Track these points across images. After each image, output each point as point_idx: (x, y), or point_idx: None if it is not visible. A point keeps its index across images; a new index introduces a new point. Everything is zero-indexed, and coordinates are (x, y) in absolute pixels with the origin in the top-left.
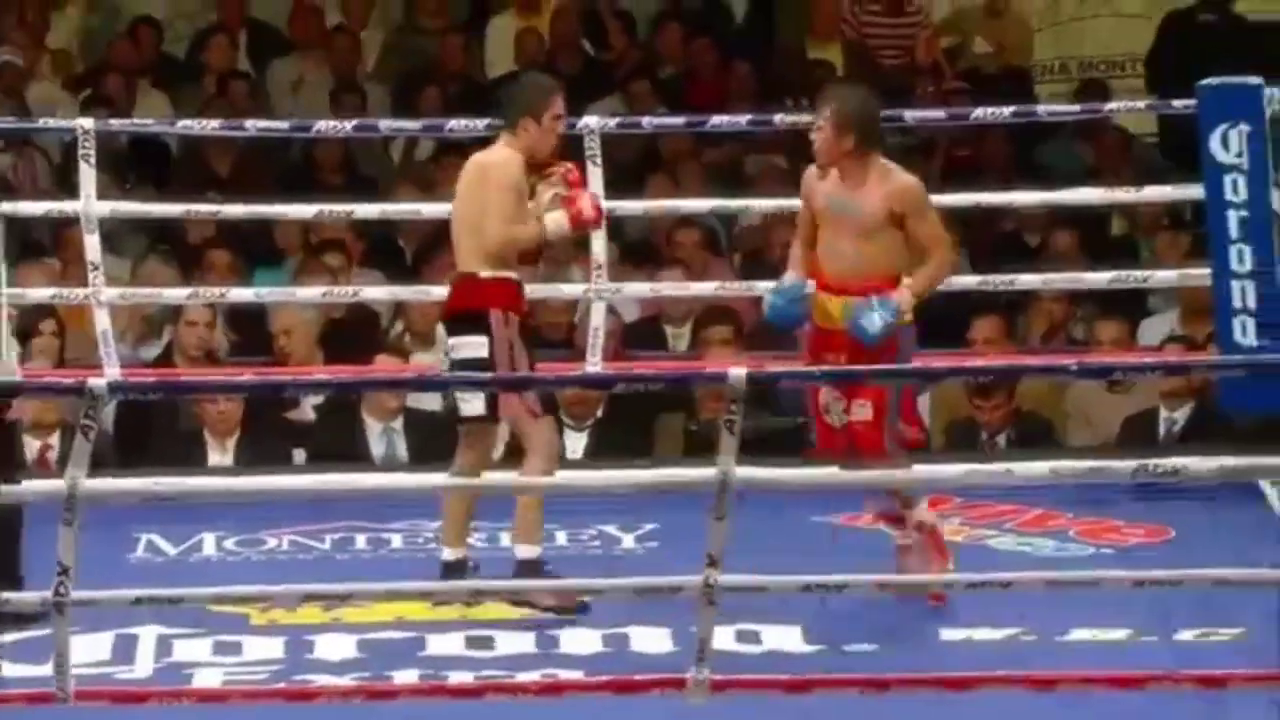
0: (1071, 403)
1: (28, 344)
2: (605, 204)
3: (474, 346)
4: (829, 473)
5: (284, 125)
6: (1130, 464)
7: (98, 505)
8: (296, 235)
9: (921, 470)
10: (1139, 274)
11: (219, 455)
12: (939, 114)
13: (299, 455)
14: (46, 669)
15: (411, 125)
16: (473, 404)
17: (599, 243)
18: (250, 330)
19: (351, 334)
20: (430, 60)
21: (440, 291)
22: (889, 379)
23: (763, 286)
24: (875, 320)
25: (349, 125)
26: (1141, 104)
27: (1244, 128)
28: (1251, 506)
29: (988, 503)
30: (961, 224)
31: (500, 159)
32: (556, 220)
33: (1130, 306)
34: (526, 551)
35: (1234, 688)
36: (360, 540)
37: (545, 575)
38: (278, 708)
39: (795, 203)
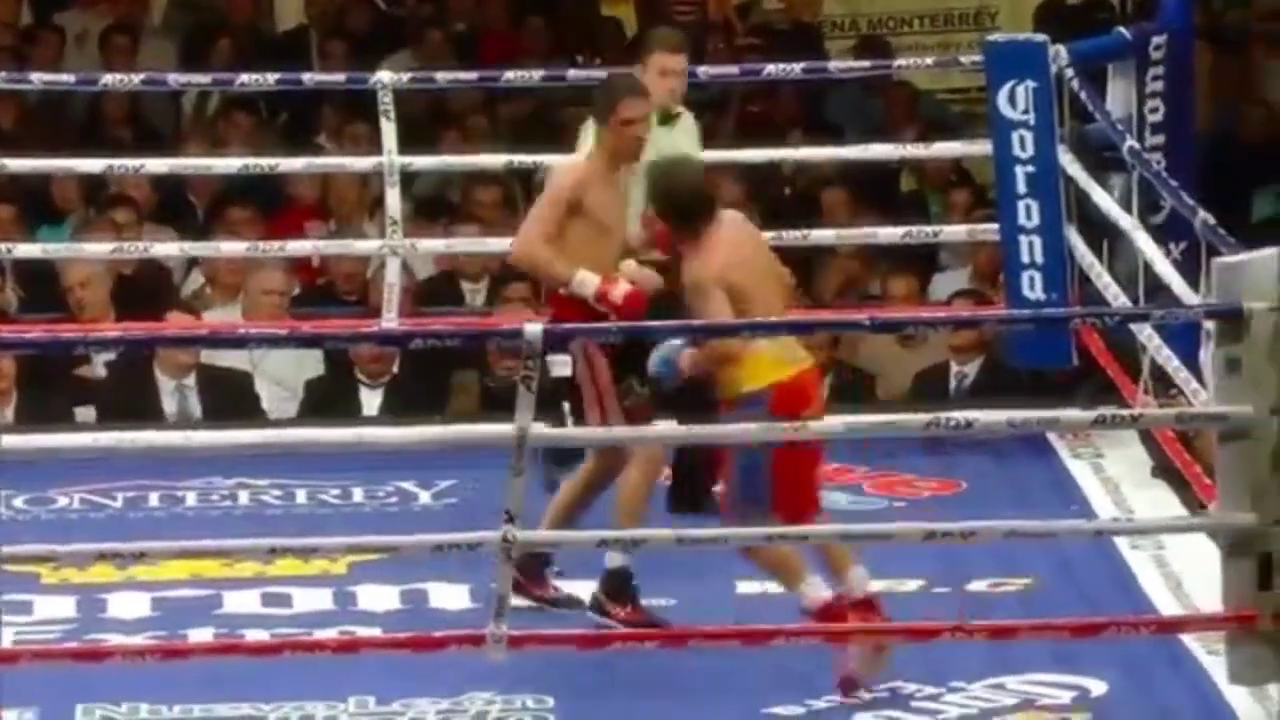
0: (865, 358)
1: None
2: (399, 160)
3: (561, 365)
4: (624, 432)
5: (69, 79)
6: (923, 418)
7: None
8: (77, 191)
9: (716, 429)
10: (929, 229)
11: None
12: (731, 69)
13: (84, 413)
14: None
15: (201, 79)
16: (561, 368)
17: (393, 197)
18: (40, 286)
19: (142, 290)
20: (218, 13)
21: (231, 247)
22: (683, 333)
23: None
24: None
25: (137, 79)
26: (929, 60)
27: (1030, 84)
28: (1041, 459)
29: None
30: (754, 179)
31: (562, 166)
32: (586, 282)
33: (922, 264)
34: (614, 560)
35: (1022, 637)
36: (153, 498)
37: (629, 589)
38: (70, 668)
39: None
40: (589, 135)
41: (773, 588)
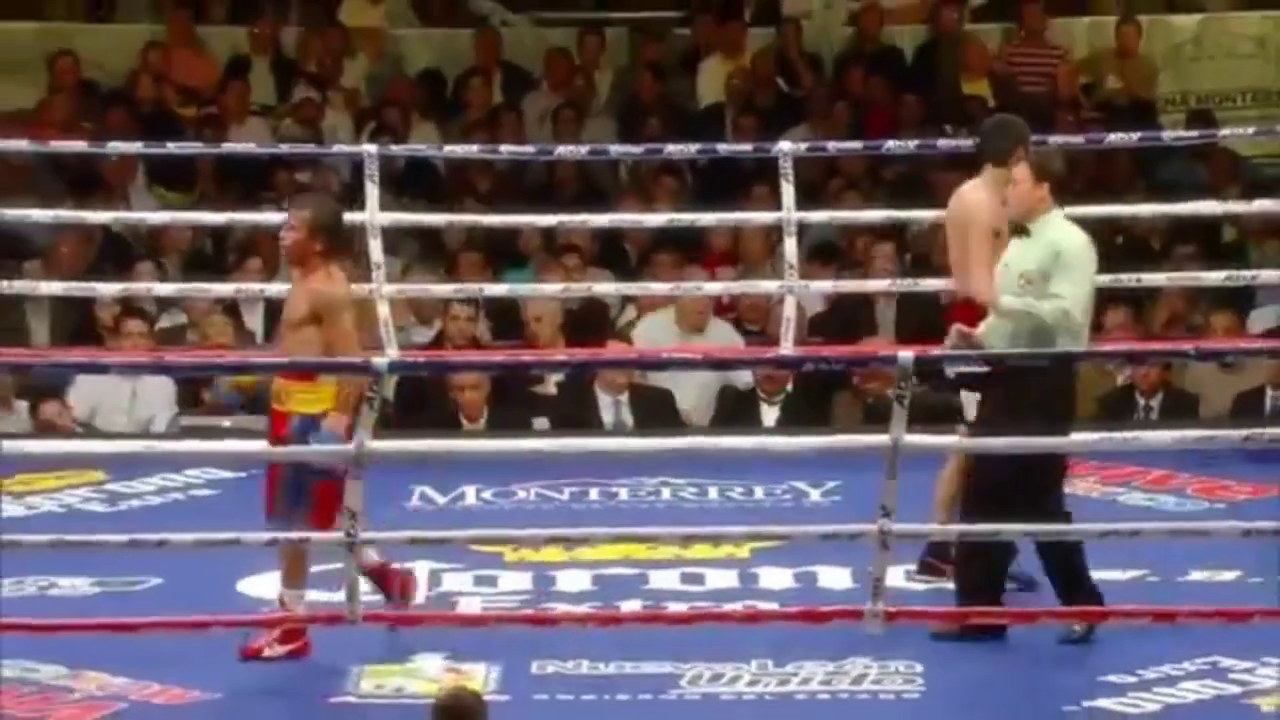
0: (1191, 383)
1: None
2: (795, 215)
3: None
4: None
5: (530, 150)
6: (1241, 432)
7: (381, 462)
8: (535, 240)
9: (1072, 439)
10: (1248, 274)
11: (472, 423)
12: (1078, 139)
13: (540, 422)
14: (340, 596)
15: (635, 149)
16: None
17: (790, 245)
18: (506, 319)
19: (586, 323)
20: (648, 93)
21: (658, 286)
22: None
23: (927, 284)
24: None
25: (584, 150)
26: (1250, 130)
27: None
28: None
29: (1120, 465)
30: (1097, 231)
31: (971, 204)
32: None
33: (1241, 302)
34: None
35: None
36: (593, 493)
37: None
38: (526, 631)
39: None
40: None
41: (1107, 575)
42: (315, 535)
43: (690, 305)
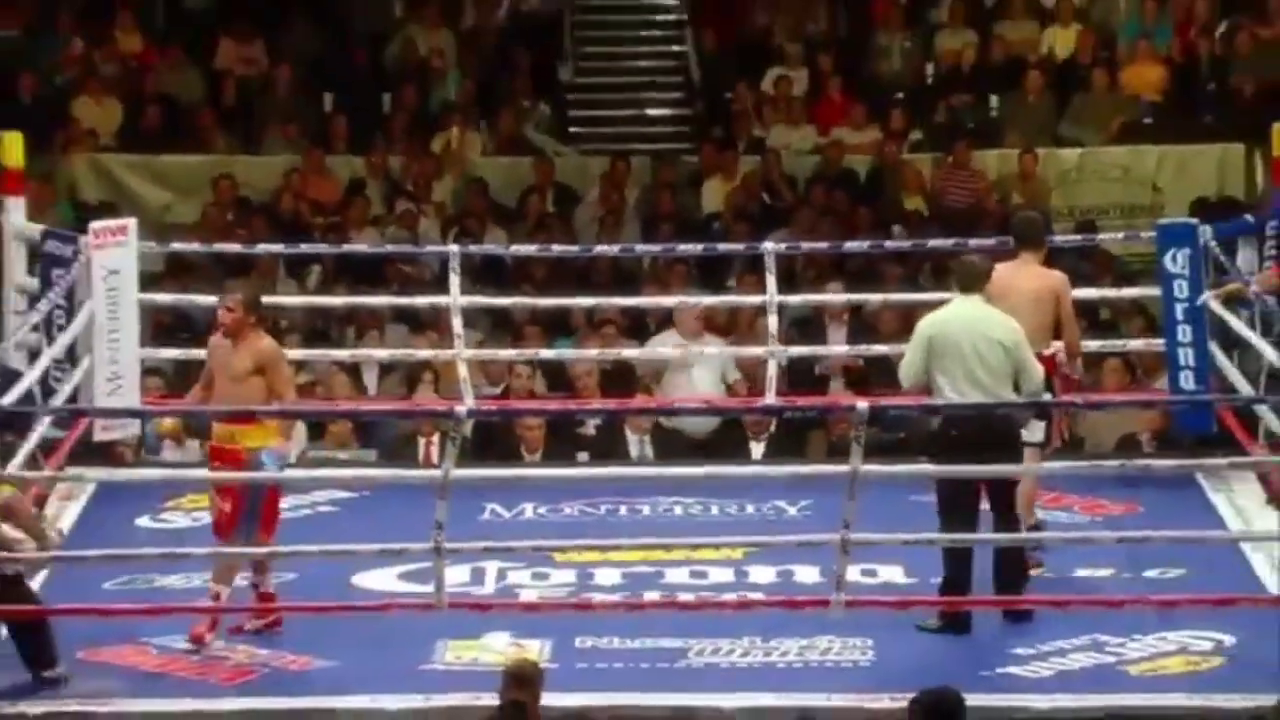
0: (1086, 427)
1: (416, 386)
2: (777, 298)
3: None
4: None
5: (575, 248)
6: (1116, 462)
7: (461, 486)
8: (582, 315)
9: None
10: (1119, 343)
11: (531, 455)
12: (991, 241)
13: (582, 456)
14: (429, 588)
15: (654, 248)
16: (1034, 432)
17: (773, 320)
18: (557, 376)
19: (618, 379)
20: (665, 205)
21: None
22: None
23: (877, 349)
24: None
25: (616, 248)
26: (1121, 235)
27: (1186, 250)
28: (1191, 491)
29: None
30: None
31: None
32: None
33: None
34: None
35: (1180, 607)
36: (622, 509)
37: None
38: (571, 615)
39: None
40: None
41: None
42: (408, 546)
43: (688, 315)
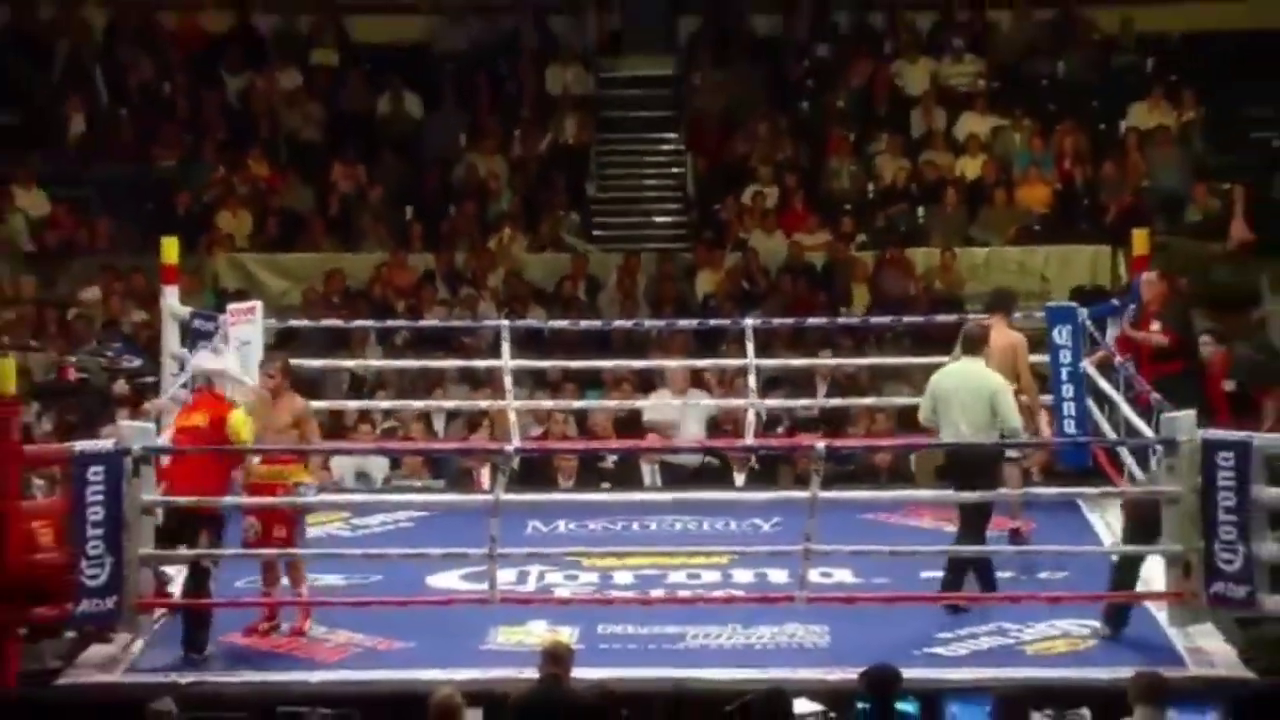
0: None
1: (475, 430)
2: (754, 361)
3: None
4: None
5: (599, 323)
6: (1020, 491)
7: (509, 507)
8: (606, 374)
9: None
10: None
11: (565, 483)
12: (921, 319)
13: (605, 484)
14: (484, 586)
15: (660, 323)
16: (1014, 451)
17: (751, 379)
18: (586, 421)
19: (632, 424)
20: (667, 292)
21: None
22: None
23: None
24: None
25: (630, 323)
26: (1019, 315)
27: (1069, 327)
28: (1074, 512)
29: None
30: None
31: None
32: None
33: None
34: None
35: (1066, 602)
36: (635, 525)
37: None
38: (593, 608)
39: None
40: None
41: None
42: (468, 552)
43: (678, 375)
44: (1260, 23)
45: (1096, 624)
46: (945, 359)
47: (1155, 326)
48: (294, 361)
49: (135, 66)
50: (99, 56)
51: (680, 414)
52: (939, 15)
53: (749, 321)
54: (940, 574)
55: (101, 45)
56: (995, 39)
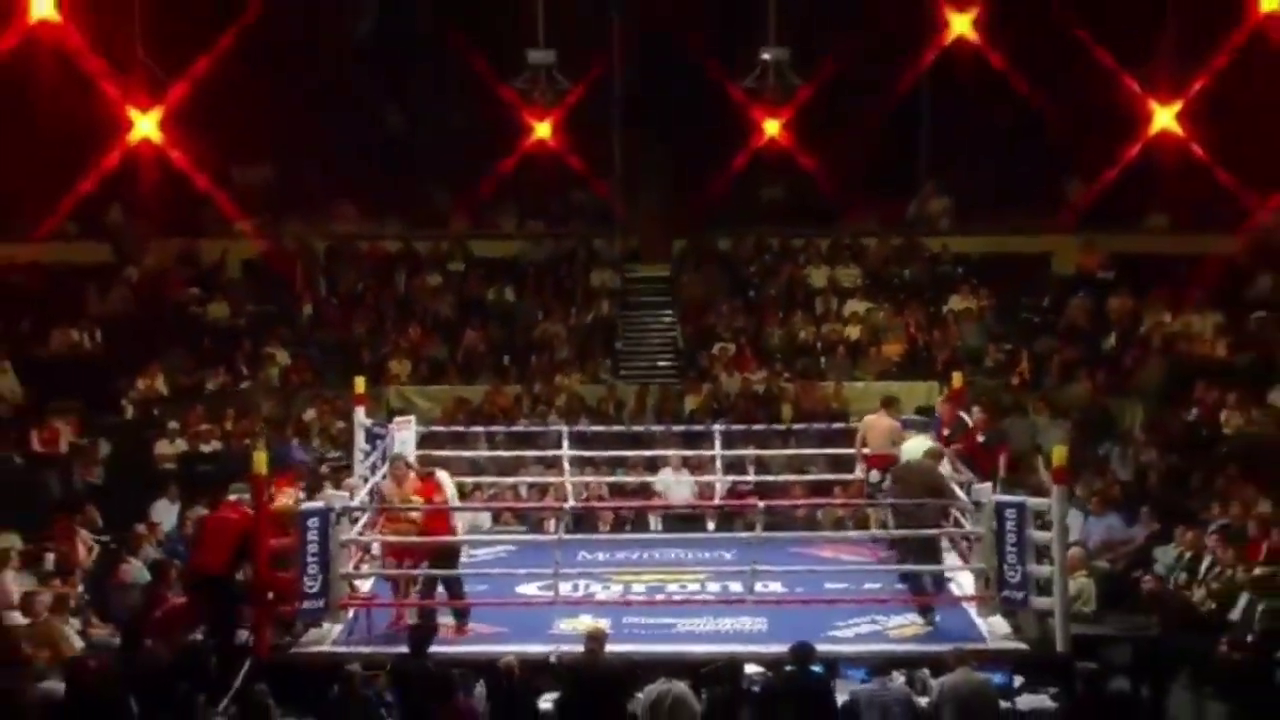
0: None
1: (545, 494)
2: (721, 452)
3: None
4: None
5: (623, 428)
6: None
7: (567, 543)
8: (630, 459)
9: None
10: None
11: (603, 528)
12: (824, 425)
13: (627, 529)
14: (551, 594)
15: (658, 428)
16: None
17: (719, 462)
18: (614, 487)
19: (641, 491)
20: (667, 409)
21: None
22: None
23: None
24: None
25: (642, 428)
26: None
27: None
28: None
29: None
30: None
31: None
32: None
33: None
34: None
35: (915, 602)
36: (644, 554)
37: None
38: (619, 608)
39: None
40: None
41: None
42: (541, 571)
43: (673, 460)
44: (1029, 249)
45: (927, 616)
46: (847, 450)
47: (946, 433)
48: (434, 453)
49: (344, 275)
50: (321, 269)
51: (675, 485)
52: (832, 240)
53: (717, 427)
54: (841, 586)
55: (323, 263)
56: (867, 255)
